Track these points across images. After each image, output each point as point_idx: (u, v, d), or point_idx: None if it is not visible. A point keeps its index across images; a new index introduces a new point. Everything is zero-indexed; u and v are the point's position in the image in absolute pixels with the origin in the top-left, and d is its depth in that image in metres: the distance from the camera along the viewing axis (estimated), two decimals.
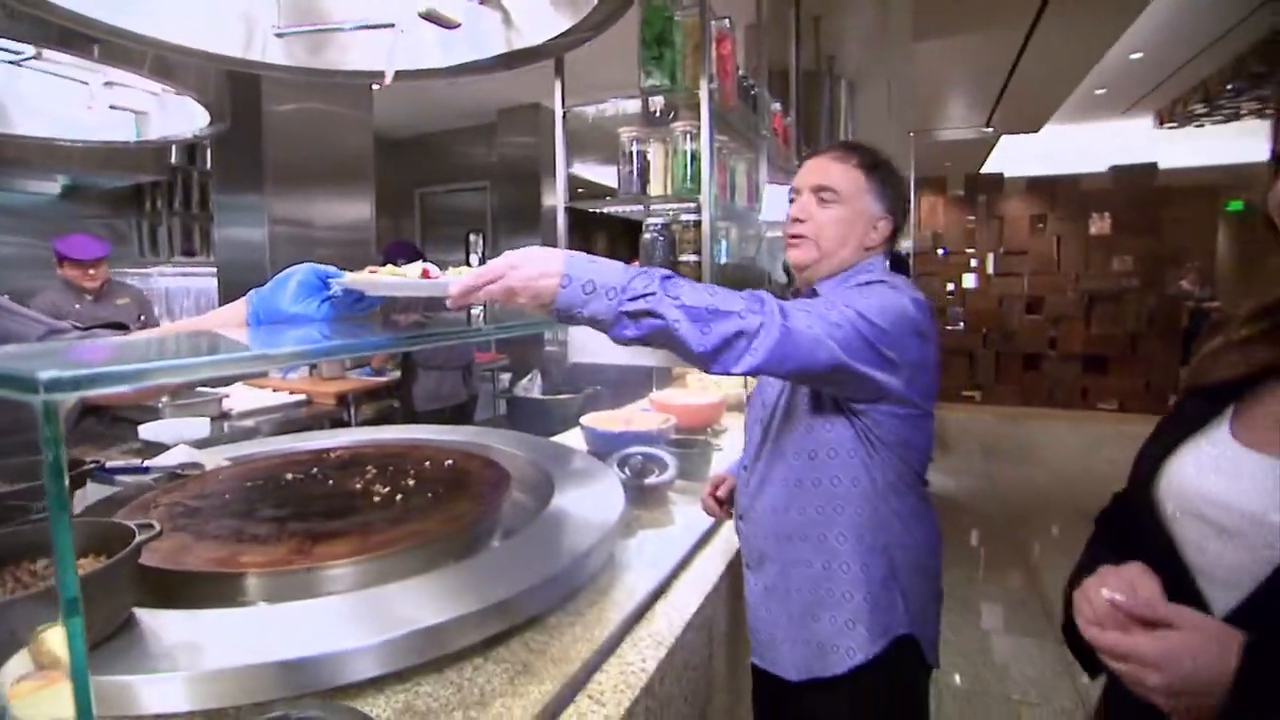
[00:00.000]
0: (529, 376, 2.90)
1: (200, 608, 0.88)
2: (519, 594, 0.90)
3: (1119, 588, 0.61)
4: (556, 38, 1.86)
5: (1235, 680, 0.54)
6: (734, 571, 1.30)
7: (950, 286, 8.21)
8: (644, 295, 0.84)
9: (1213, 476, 0.65)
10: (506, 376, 4.58)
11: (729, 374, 0.92)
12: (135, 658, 0.76)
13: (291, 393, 3.40)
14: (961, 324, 8.00)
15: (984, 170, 8.56)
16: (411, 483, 1.32)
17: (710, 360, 0.89)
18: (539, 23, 1.86)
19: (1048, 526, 4.06)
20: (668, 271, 0.90)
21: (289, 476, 1.39)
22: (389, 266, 0.97)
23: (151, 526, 0.88)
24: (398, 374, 3.77)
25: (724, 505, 1.35)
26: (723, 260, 2.37)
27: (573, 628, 0.98)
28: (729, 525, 1.43)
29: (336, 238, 4.25)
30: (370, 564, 0.99)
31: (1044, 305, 7.62)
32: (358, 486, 1.29)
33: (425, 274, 0.90)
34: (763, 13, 2.27)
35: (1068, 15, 3.88)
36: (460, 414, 3.62)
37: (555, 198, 1.94)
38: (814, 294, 1.18)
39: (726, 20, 1.88)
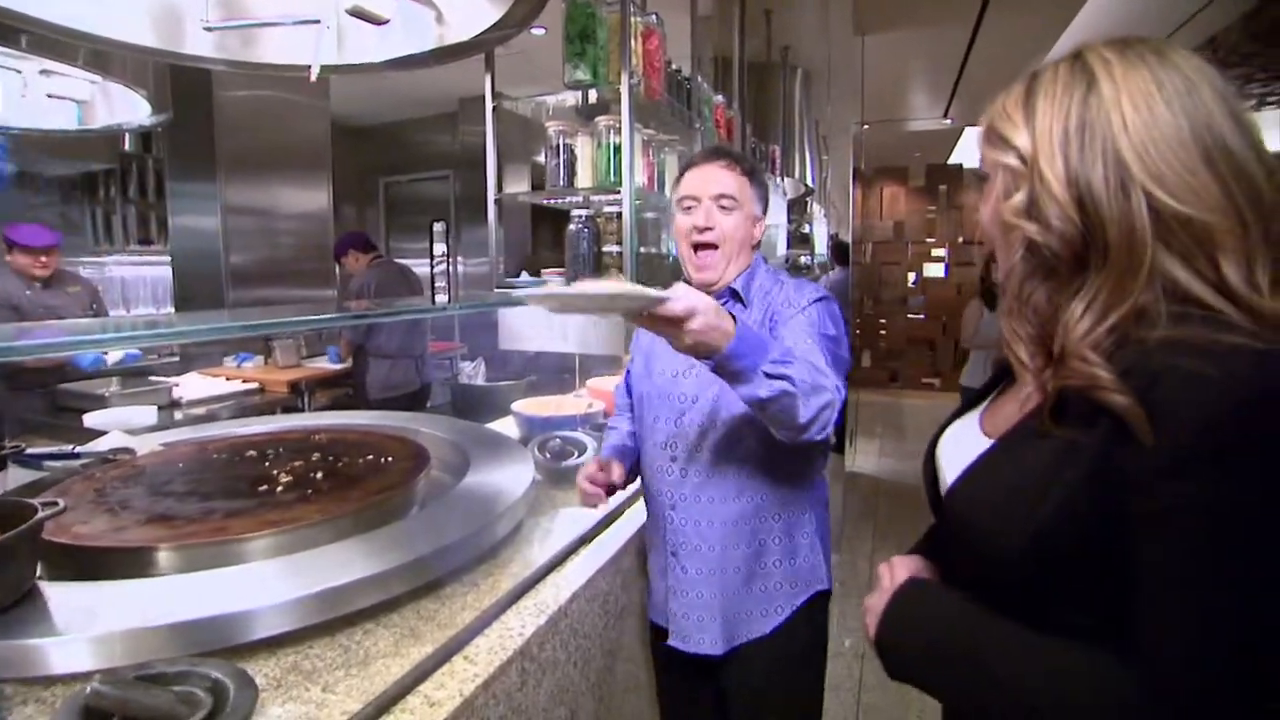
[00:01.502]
0: (474, 364, 2.95)
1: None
2: (409, 563, 0.97)
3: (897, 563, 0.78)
4: (485, 32, 1.91)
5: (880, 618, 0.72)
6: (637, 549, 1.37)
7: (912, 276, 8.38)
8: (784, 361, 0.95)
9: (949, 450, 0.75)
10: (469, 365, 4.61)
11: (809, 441, 1.02)
12: (32, 624, 0.81)
13: (245, 381, 3.42)
14: (923, 314, 8.18)
15: (950, 161, 8.70)
16: (331, 463, 1.38)
17: (804, 430, 0.98)
18: (469, 18, 1.91)
19: None
20: (787, 346, 1.05)
21: (214, 459, 1.44)
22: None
23: (55, 504, 0.93)
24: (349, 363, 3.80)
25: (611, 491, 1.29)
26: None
27: (465, 596, 1.04)
28: (641, 504, 1.50)
29: (294, 227, 4.24)
30: (276, 538, 1.05)
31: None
32: (278, 468, 1.34)
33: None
34: (697, 7, 2.32)
35: (1010, 10, 3.98)
36: (413, 402, 3.65)
37: (516, 187, 1.99)
38: (731, 296, 1.24)
39: (654, 16, 1.94)
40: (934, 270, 8.34)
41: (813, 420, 0.97)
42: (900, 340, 8.43)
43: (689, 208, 1.22)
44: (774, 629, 1.21)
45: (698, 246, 1.22)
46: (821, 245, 4.83)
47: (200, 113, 3.69)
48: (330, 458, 1.41)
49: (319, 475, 1.30)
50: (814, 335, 1.13)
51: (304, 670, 0.86)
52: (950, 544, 0.75)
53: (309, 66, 1.63)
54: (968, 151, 8.77)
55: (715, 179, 1.22)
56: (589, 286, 0.85)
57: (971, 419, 0.77)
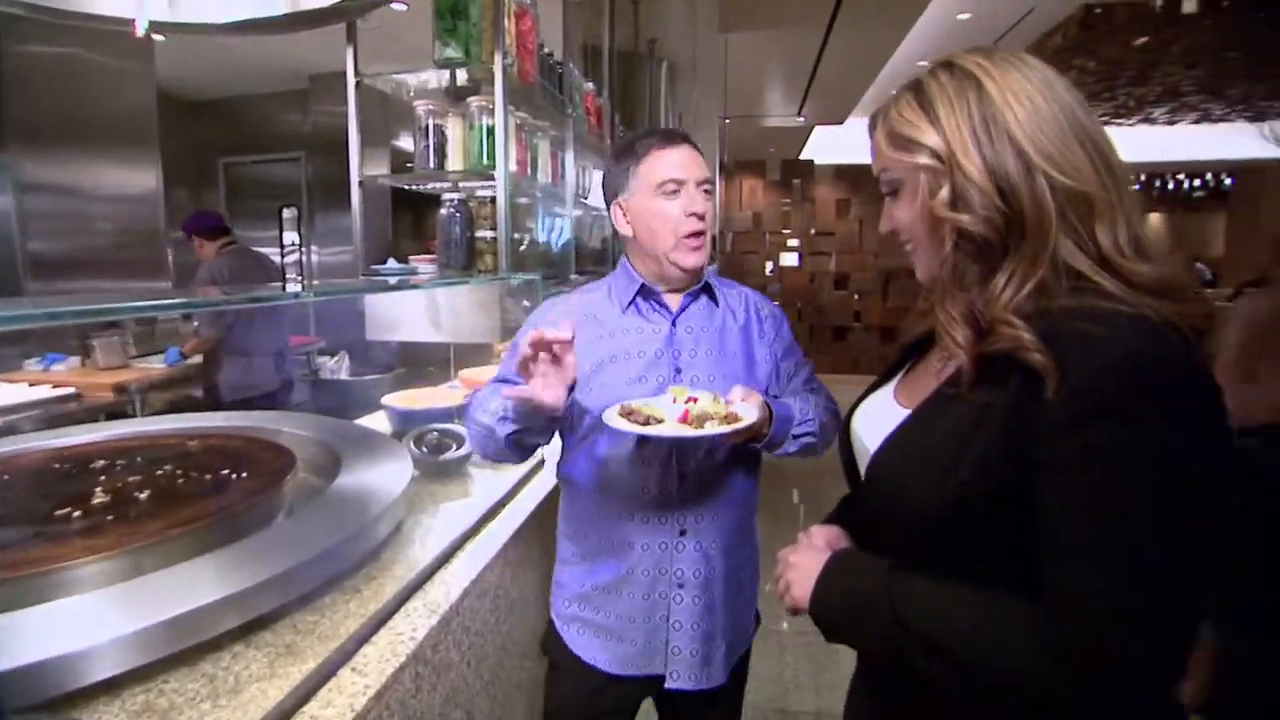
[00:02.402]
0: (336, 358, 2.75)
1: None
2: (276, 576, 0.88)
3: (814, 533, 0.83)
4: (345, 1, 1.77)
5: (813, 589, 0.76)
6: (524, 538, 1.34)
7: (770, 265, 8.87)
8: (805, 420, 1.12)
9: (867, 423, 0.79)
10: (329, 360, 4.32)
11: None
12: None
13: (56, 386, 2.97)
14: (780, 301, 8.68)
15: (803, 156, 9.23)
16: (176, 472, 1.23)
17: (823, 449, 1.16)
18: None
19: None
20: (804, 394, 1.20)
21: (17, 475, 1.23)
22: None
23: None
24: (197, 360, 3.42)
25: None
26: (546, 237, 2.39)
27: (347, 604, 0.97)
28: (525, 493, 1.47)
29: (115, 211, 3.71)
30: (115, 561, 0.91)
31: (849, 282, 8.52)
32: (101, 482, 1.18)
33: (685, 415, 0.97)
34: None
35: (858, 16, 4.28)
36: (273, 401, 3.36)
37: (375, 169, 1.86)
38: (705, 293, 1.22)
39: None
40: (789, 259, 8.88)
41: (829, 444, 1.09)
42: None
43: (674, 191, 1.13)
44: (752, 632, 1.26)
45: (691, 233, 1.14)
46: None
47: None
48: (173, 467, 1.26)
49: (160, 488, 1.15)
50: (796, 349, 1.26)
51: (159, 710, 0.76)
52: (872, 510, 0.78)
53: (133, 21, 1.44)
54: (819, 148, 9.37)
55: (697, 163, 1.16)
56: (674, 430, 0.96)
57: (886, 393, 0.82)
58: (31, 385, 2.96)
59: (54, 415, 2.81)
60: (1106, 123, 9.75)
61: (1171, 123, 9.08)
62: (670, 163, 1.14)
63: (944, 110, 0.67)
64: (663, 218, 1.12)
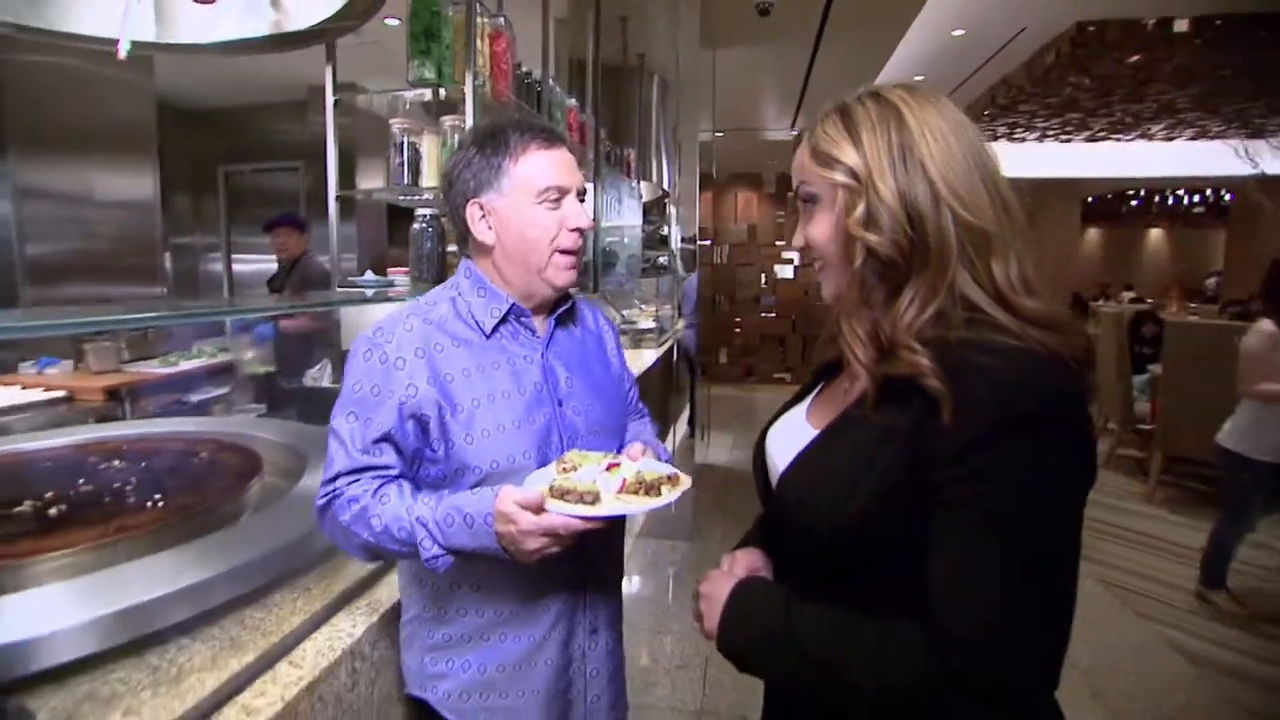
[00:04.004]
0: (319, 366, 2.80)
1: None
2: (224, 573, 0.93)
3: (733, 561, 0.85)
4: (325, 22, 1.84)
5: (719, 623, 0.77)
6: None
7: (764, 277, 8.92)
8: (661, 449, 1.05)
9: (778, 443, 0.84)
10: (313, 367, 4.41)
11: None
12: None
13: (48, 389, 3.03)
14: (774, 313, 8.73)
15: None
16: (149, 474, 1.28)
17: None
18: (308, 6, 1.83)
19: None
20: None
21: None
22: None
23: None
24: (198, 362, 3.51)
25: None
26: None
27: (294, 602, 1.02)
28: None
29: (112, 217, 3.79)
30: (80, 556, 0.97)
31: None
32: (86, 482, 1.23)
33: (624, 484, 0.86)
34: (549, 10, 2.35)
35: (844, 36, 4.36)
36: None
37: (372, 182, 1.91)
38: (568, 312, 1.11)
39: (502, 19, 1.95)
40: (784, 272, 8.93)
41: None
42: (754, 337, 8.94)
43: (555, 200, 0.97)
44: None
45: (568, 249, 1.00)
46: (676, 245, 5.03)
47: None
48: (149, 469, 1.32)
49: (130, 489, 1.21)
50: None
51: (101, 697, 0.81)
52: (782, 529, 0.82)
53: (117, 41, 1.50)
54: None
55: (577, 169, 1.02)
56: (642, 503, 0.85)
57: (798, 413, 0.87)
58: (25, 388, 3.01)
59: (46, 418, 2.87)
60: (1104, 138, 9.59)
61: (1169, 138, 9.15)
62: (553, 167, 0.97)
63: (866, 134, 0.71)
64: (540, 228, 0.97)
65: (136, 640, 0.86)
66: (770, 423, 0.90)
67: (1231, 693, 2.45)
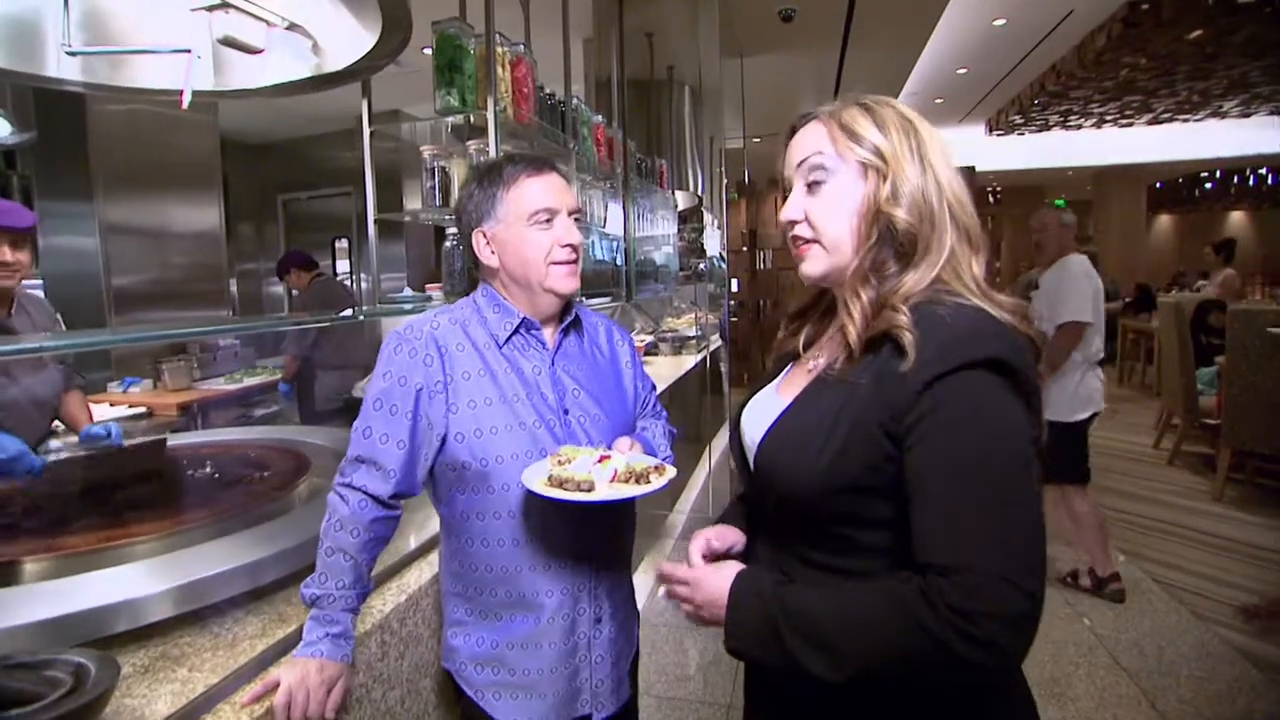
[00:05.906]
0: (367, 378, 2.99)
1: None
2: (271, 556, 1.06)
3: (706, 537, 0.90)
4: (360, 60, 2.00)
5: (728, 603, 0.78)
6: None
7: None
8: (661, 448, 1.19)
9: (752, 418, 0.91)
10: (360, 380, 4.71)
11: None
12: None
13: (131, 405, 3.32)
14: None
15: None
16: (210, 474, 1.45)
17: None
18: (344, 46, 2.00)
19: None
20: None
21: (89, 474, 1.47)
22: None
23: None
24: (260, 378, 3.81)
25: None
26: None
27: None
28: None
29: (184, 246, 4.13)
30: (155, 542, 1.11)
31: None
32: (159, 481, 1.40)
33: (615, 475, 0.95)
34: (569, 32, 2.48)
35: (870, 39, 4.36)
36: (349, 405, 3.70)
37: (416, 203, 2.06)
38: (573, 325, 1.21)
39: (521, 45, 2.08)
40: None
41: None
42: None
43: (546, 221, 1.07)
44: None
45: (564, 259, 1.09)
46: (713, 251, 5.08)
47: (72, 128, 3.56)
48: (211, 470, 1.48)
49: (194, 488, 1.36)
50: (647, 374, 1.28)
51: (172, 656, 0.94)
52: (762, 493, 0.88)
53: (181, 91, 1.68)
54: None
55: (567, 190, 1.11)
56: (632, 490, 0.95)
57: (769, 391, 0.93)
58: (112, 405, 3.31)
59: (128, 431, 3.14)
60: (1170, 119, 9.04)
61: (1245, 115, 8.63)
62: (541, 191, 1.07)
63: (891, 128, 0.80)
64: (535, 246, 1.07)
65: (200, 610, 1.00)
66: (743, 405, 0.97)
67: None
